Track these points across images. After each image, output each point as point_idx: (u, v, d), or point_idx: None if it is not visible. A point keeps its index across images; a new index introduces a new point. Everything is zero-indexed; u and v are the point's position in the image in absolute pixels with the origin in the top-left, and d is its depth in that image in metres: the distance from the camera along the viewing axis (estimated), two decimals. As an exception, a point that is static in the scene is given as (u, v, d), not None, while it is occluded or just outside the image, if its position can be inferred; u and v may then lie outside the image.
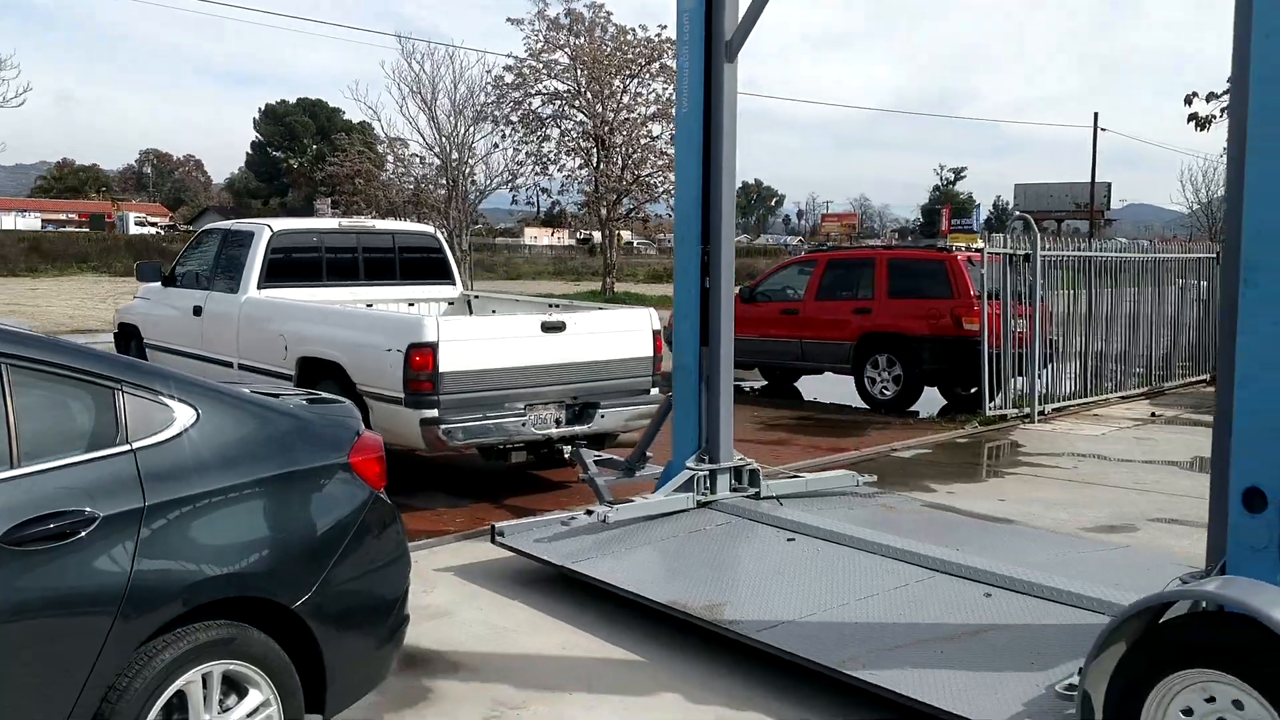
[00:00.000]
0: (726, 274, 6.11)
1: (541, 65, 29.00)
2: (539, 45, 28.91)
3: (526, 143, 29.86)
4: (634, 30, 29.82)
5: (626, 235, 48.47)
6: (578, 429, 7.28)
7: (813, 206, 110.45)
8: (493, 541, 5.71)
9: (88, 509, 2.81)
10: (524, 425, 7.04)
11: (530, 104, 29.48)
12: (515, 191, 31.10)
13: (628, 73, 29.86)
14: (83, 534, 2.79)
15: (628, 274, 43.93)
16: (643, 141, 30.83)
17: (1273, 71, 3.19)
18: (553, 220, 39.94)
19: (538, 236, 76.29)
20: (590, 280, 40.51)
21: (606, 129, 29.97)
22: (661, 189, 32.00)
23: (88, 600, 2.79)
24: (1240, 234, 3.30)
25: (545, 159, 30.36)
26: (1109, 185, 61.33)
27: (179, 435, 3.10)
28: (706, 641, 4.68)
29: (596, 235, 40.58)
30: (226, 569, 3.07)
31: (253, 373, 7.87)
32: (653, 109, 30.93)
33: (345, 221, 10.41)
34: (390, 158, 30.65)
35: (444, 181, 28.14)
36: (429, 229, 10.56)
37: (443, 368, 6.64)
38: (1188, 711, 3.18)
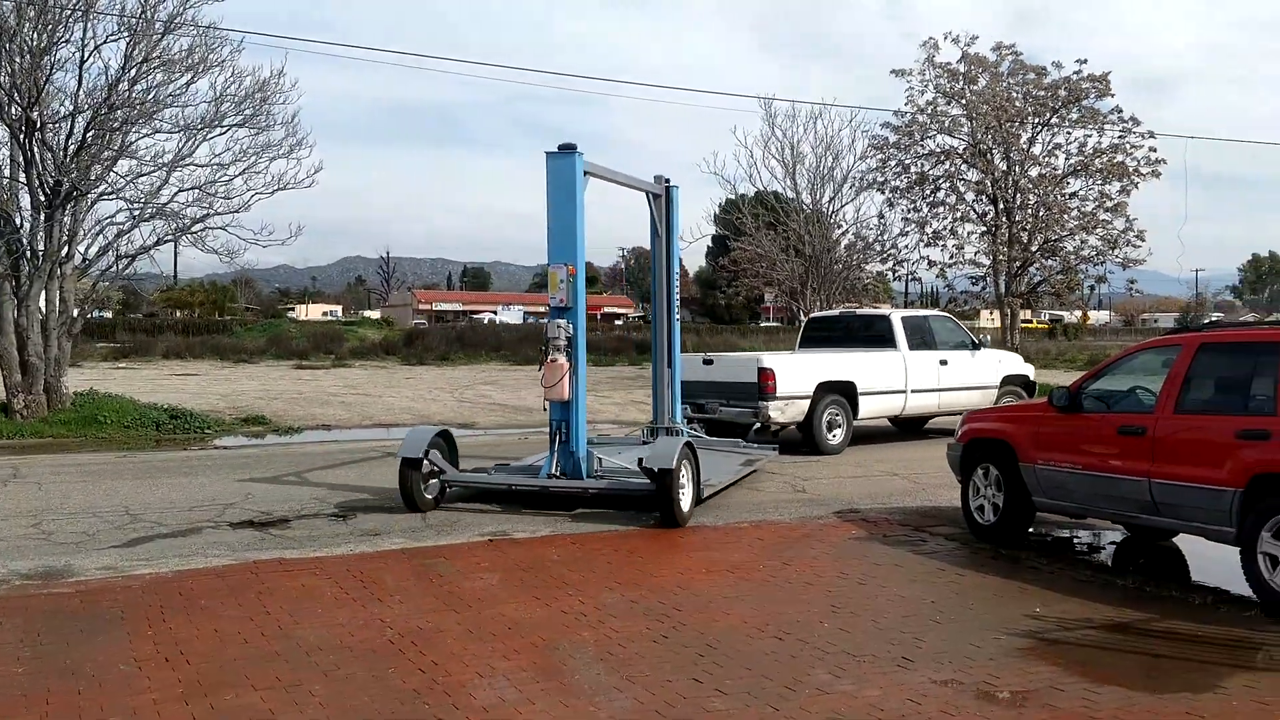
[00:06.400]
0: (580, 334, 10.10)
1: (928, 118, 25.23)
2: (927, 98, 25.32)
3: (915, 210, 26.06)
4: (1047, 70, 25.11)
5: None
6: (721, 415, 14.15)
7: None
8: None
9: None
10: (686, 408, 13.18)
11: (919, 165, 25.65)
12: (898, 266, 26.93)
13: (1038, 120, 24.94)
14: None
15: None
16: (1056, 199, 24.70)
17: None
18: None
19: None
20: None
21: (1011, 189, 24.96)
22: (1078, 259, 24.70)
23: None
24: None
25: (928, 224, 25.95)
26: None
27: None
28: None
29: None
30: None
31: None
32: (1074, 160, 24.84)
33: (841, 309, 19.52)
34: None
35: (795, 257, 25.49)
36: (883, 312, 16.92)
37: None
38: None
